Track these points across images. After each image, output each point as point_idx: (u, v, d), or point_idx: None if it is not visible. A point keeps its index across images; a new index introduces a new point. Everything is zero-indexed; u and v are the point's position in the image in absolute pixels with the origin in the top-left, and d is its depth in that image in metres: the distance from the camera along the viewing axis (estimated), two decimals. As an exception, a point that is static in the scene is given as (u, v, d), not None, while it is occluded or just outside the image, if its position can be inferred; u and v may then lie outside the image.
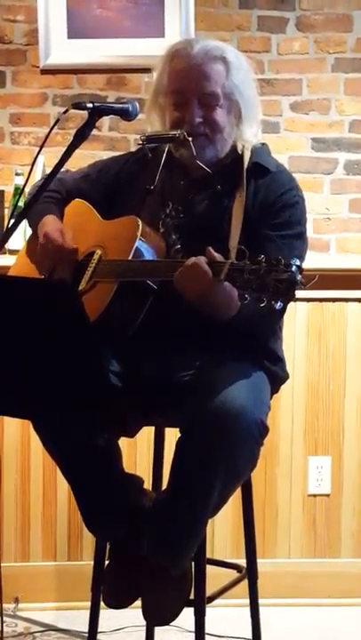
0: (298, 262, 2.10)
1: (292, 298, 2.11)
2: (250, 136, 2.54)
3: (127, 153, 2.82)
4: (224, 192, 2.50)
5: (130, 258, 2.39)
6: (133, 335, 2.41)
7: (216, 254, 2.23)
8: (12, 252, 3.07)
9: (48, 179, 2.36)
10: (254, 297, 2.11)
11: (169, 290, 2.30)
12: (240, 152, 2.52)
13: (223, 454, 2.29)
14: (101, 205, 2.61)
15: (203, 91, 2.47)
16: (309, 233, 3.50)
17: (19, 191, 3.26)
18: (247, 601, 2.72)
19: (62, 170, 2.35)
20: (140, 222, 2.43)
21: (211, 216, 2.49)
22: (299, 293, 2.13)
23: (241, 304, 2.19)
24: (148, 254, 2.42)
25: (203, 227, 2.48)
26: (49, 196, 2.58)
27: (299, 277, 2.08)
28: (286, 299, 2.10)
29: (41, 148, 2.35)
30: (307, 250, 2.52)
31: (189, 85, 2.47)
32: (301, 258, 2.43)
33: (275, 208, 2.47)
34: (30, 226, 2.62)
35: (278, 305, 2.09)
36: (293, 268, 2.08)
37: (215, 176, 2.50)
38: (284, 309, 2.18)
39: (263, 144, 2.59)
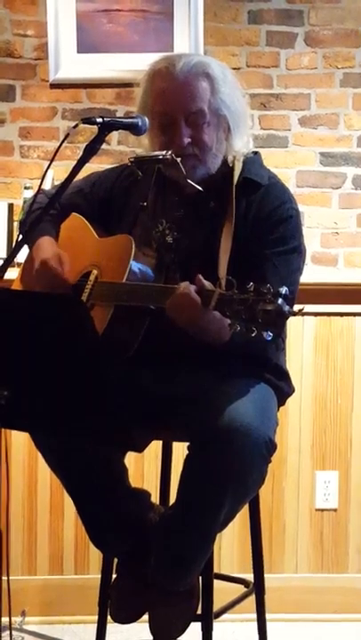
0: (284, 291, 2.04)
1: (282, 328, 2.09)
2: (240, 147, 2.49)
3: (119, 166, 2.75)
4: (216, 208, 2.46)
5: (125, 279, 2.38)
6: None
7: (205, 282, 2.20)
8: (20, 264, 3.07)
9: (55, 196, 2.35)
10: (244, 327, 2.07)
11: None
12: (231, 165, 2.48)
13: (232, 473, 2.28)
14: (97, 220, 2.59)
15: (189, 110, 2.41)
16: (317, 247, 3.54)
17: (27, 205, 3.27)
18: (254, 616, 2.72)
19: (56, 183, 2.33)
20: (132, 242, 2.41)
21: (203, 234, 2.45)
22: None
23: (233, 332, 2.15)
24: (143, 273, 2.41)
25: (195, 244, 2.46)
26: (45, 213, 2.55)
27: (286, 308, 2.03)
28: (275, 330, 2.06)
29: (51, 162, 2.34)
30: (304, 261, 2.50)
31: (176, 106, 2.42)
32: (299, 271, 2.43)
33: (268, 223, 2.43)
34: (27, 243, 2.56)
35: (268, 335, 2.05)
36: (280, 301, 2.03)
37: (207, 192, 2.46)
38: (275, 338, 2.14)
39: (255, 152, 2.55)
